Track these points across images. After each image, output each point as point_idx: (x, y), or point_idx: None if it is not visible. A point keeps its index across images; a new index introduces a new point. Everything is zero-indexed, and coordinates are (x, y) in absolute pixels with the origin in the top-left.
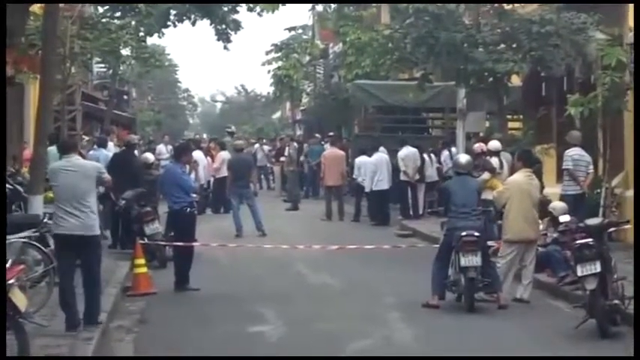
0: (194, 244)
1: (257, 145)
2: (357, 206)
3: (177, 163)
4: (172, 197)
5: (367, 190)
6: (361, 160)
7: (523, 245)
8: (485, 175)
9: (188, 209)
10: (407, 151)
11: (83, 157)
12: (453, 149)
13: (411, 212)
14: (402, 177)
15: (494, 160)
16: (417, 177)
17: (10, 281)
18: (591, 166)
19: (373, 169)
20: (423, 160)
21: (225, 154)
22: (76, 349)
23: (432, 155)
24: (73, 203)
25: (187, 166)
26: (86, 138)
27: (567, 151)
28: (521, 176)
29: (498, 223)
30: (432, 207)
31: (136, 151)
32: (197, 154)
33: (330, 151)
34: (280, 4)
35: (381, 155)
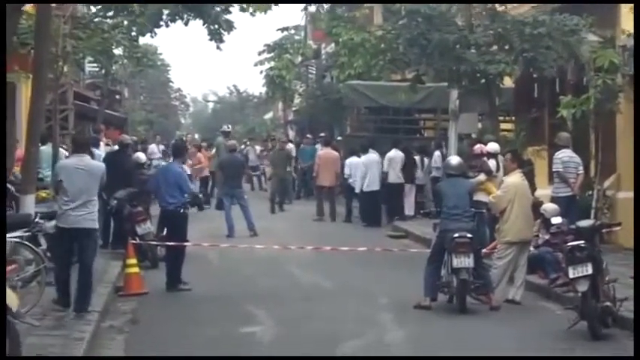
0: (186, 244)
1: (249, 146)
2: (349, 207)
3: (176, 162)
4: (167, 197)
5: (357, 190)
6: (351, 160)
7: (518, 246)
8: (481, 177)
9: (182, 210)
10: (394, 154)
11: (92, 156)
12: (445, 150)
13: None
14: (390, 179)
15: (492, 163)
16: (401, 179)
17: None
18: (581, 167)
19: (363, 169)
20: (413, 161)
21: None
22: (67, 349)
23: (423, 157)
24: (82, 199)
25: (185, 166)
26: None
27: (557, 153)
28: (518, 178)
29: (495, 227)
30: (423, 208)
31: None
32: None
33: (324, 151)
34: (273, 5)
35: (372, 156)
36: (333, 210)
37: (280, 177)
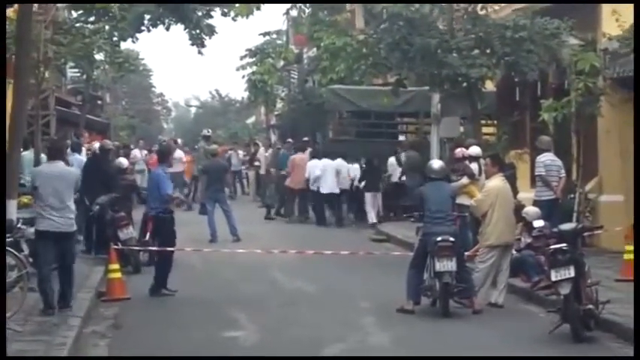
0: (169, 249)
1: (231, 151)
2: (318, 210)
3: (160, 166)
4: (151, 202)
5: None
6: (311, 163)
7: (501, 249)
8: (464, 180)
9: (161, 214)
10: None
11: (67, 162)
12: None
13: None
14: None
15: (474, 166)
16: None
17: None
18: (563, 171)
19: (318, 173)
20: (375, 169)
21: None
22: (50, 354)
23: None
24: (57, 204)
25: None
26: None
27: (538, 157)
28: (499, 181)
29: (478, 232)
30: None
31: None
32: None
33: (297, 156)
34: (255, 9)
35: (329, 161)
36: (303, 211)
37: (276, 181)
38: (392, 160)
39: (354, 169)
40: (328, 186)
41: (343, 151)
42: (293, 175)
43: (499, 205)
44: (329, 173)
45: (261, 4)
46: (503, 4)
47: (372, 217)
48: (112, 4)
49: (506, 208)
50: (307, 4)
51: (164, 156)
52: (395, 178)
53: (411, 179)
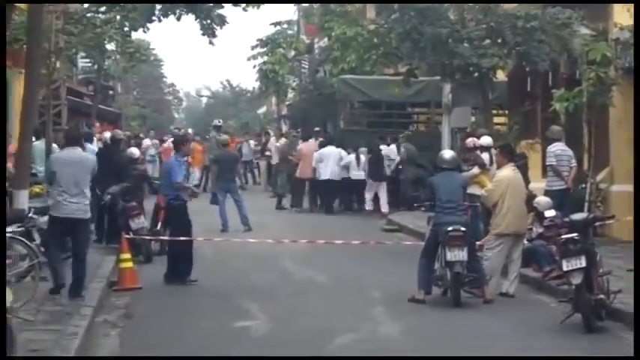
0: (180, 238)
1: (243, 141)
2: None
3: (175, 155)
4: (164, 189)
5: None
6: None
7: (511, 239)
8: (475, 170)
9: (173, 201)
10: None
11: (84, 149)
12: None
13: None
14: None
15: (485, 156)
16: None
17: None
18: (574, 161)
19: (318, 158)
20: (379, 158)
21: None
22: (61, 344)
23: (359, 154)
24: (74, 191)
25: (186, 158)
26: None
27: (549, 147)
28: (510, 171)
29: (489, 222)
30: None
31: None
32: None
33: (304, 145)
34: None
35: (333, 149)
36: (313, 200)
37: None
38: (392, 147)
39: (350, 158)
40: (328, 173)
41: (355, 141)
42: (301, 165)
43: (509, 195)
44: (331, 160)
45: None
46: None
47: (368, 205)
48: None
49: (517, 198)
50: None
51: (179, 145)
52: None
53: (405, 172)
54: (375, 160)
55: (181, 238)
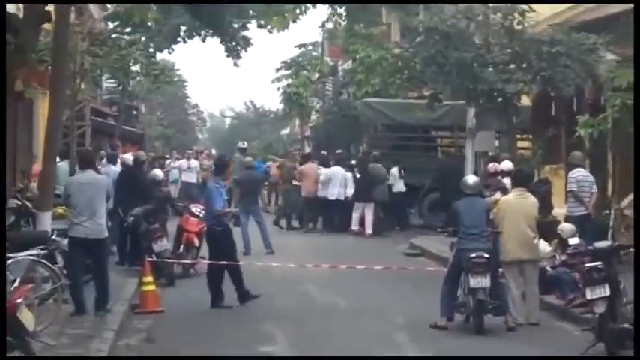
0: (202, 261)
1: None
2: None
3: (216, 179)
4: (206, 214)
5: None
6: (322, 170)
7: (516, 266)
8: (497, 196)
9: (214, 226)
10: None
11: (98, 171)
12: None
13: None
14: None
15: (507, 181)
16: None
17: (19, 300)
18: (594, 187)
19: (326, 179)
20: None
21: None
22: None
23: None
24: (89, 212)
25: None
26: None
27: (570, 172)
28: (512, 196)
29: None
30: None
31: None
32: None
33: (306, 166)
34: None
35: (339, 169)
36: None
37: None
38: (394, 170)
39: (349, 179)
40: (335, 193)
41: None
42: (304, 184)
43: (507, 221)
44: (337, 181)
45: (298, 18)
46: (539, 19)
47: (355, 225)
48: (148, 16)
49: (518, 223)
50: (343, 17)
51: (221, 169)
52: (397, 189)
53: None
54: (361, 180)
55: (203, 262)
